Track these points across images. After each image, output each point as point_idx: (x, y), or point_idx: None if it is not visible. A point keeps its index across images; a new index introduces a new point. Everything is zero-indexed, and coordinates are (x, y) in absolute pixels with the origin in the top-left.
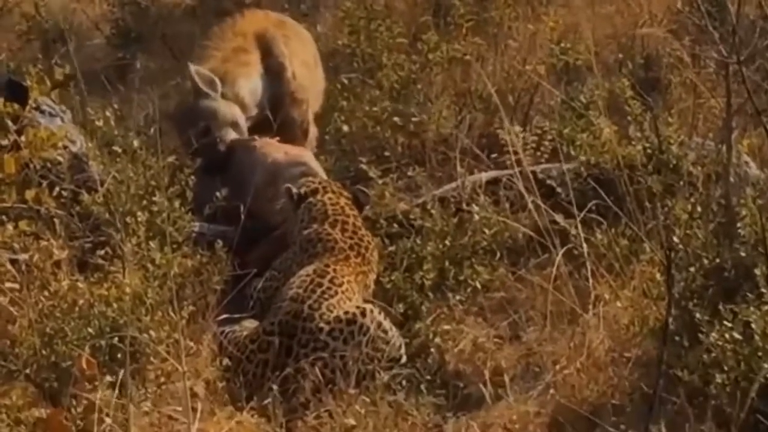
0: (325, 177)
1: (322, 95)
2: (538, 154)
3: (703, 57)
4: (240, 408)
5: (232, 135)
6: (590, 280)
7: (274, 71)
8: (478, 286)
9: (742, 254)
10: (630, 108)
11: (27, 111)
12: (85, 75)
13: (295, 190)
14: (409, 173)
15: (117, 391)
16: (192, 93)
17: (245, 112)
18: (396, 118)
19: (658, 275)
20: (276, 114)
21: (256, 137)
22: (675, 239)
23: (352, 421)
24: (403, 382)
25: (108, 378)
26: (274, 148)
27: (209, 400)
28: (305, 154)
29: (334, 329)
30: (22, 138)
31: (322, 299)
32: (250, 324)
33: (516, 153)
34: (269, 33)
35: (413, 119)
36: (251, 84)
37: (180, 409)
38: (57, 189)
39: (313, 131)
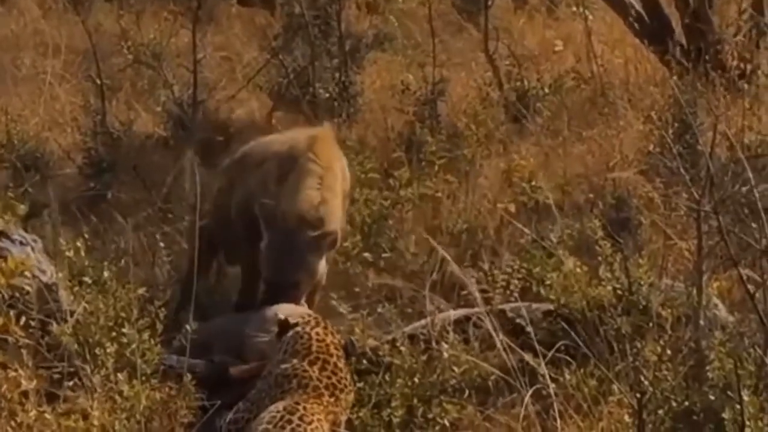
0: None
1: None
2: (508, 292)
3: (674, 203)
4: None
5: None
6: (558, 420)
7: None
8: (447, 424)
9: (711, 398)
10: (600, 248)
11: None
12: (56, 204)
13: (283, 316)
14: (379, 309)
15: None
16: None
17: None
18: (366, 254)
19: (626, 417)
20: None
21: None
22: (644, 381)
23: None
24: None
25: None
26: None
27: None
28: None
29: None
30: None
31: None
32: None
33: (485, 291)
34: (343, 160)
35: (384, 255)
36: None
37: None
38: (25, 318)
39: None
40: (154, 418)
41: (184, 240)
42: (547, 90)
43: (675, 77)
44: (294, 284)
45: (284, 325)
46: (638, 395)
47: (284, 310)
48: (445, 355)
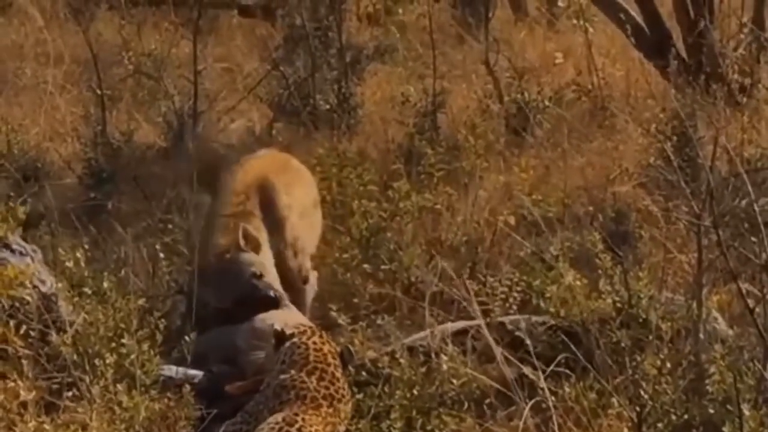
0: None
1: (319, 236)
2: (507, 305)
3: (674, 216)
4: None
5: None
6: None
7: (274, 226)
8: None
9: (711, 411)
10: (600, 261)
11: None
12: (56, 214)
13: (279, 327)
14: (378, 321)
15: None
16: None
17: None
18: (366, 266)
19: (626, 430)
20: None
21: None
22: (644, 394)
23: None
24: None
25: None
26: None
27: None
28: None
29: None
30: None
31: None
32: None
33: (485, 304)
34: (270, 184)
35: (383, 267)
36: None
37: None
38: (24, 328)
39: (313, 277)
40: (153, 429)
41: (185, 248)
42: (547, 102)
43: (675, 90)
44: (256, 275)
45: (281, 337)
46: (638, 408)
47: (278, 319)
48: (444, 367)
